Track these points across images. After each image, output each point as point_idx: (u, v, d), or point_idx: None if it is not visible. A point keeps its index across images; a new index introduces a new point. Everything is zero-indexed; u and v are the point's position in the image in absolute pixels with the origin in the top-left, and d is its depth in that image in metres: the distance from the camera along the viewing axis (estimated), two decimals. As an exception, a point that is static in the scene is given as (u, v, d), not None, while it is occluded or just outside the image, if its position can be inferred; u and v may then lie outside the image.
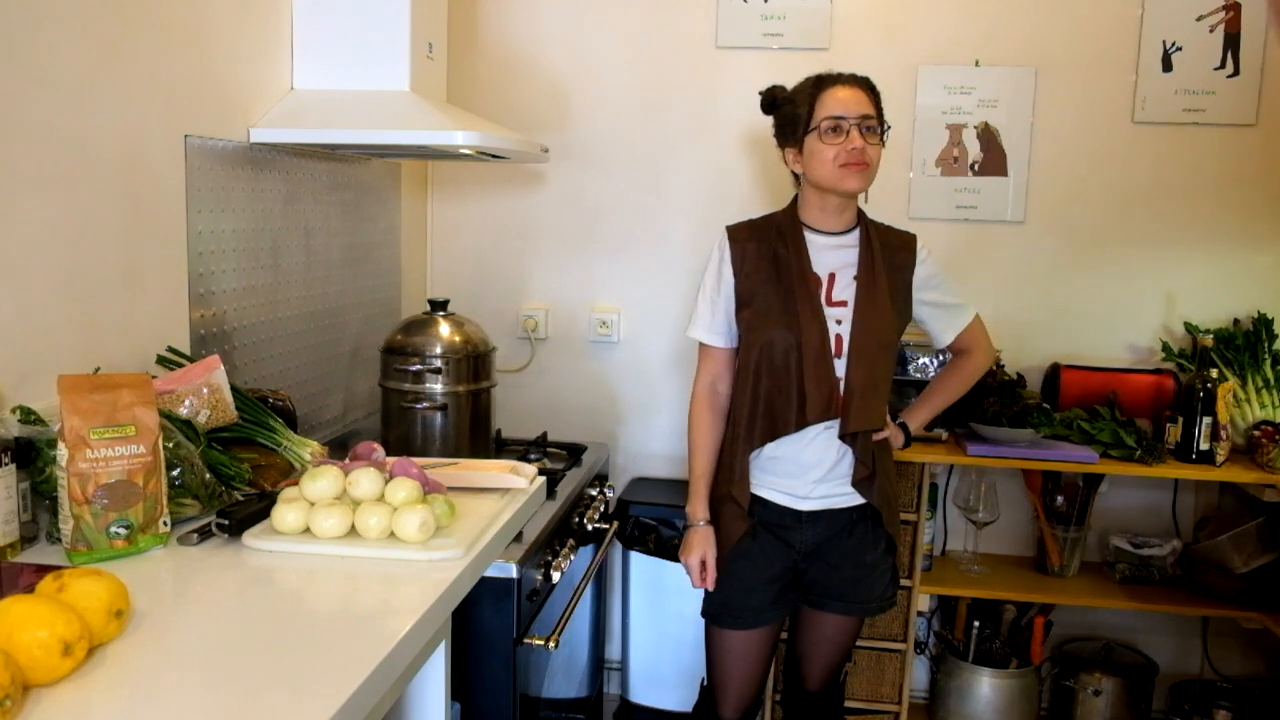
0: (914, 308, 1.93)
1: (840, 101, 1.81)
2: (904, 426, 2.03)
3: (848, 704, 2.57)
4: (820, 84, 1.84)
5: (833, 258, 1.86)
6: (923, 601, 2.56)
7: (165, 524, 1.33)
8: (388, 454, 1.62)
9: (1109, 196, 2.69)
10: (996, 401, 2.50)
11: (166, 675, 0.99)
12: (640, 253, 2.84)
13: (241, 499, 1.50)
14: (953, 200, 2.73)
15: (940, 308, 1.97)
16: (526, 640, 1.76)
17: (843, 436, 1.83)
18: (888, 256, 1.88)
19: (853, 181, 1.80)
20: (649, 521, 2.67)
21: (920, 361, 2.52)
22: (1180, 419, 2.46)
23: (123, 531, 1.27)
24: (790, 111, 1.86)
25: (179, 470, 1.38)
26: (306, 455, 1.66)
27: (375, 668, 1.02)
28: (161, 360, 1.66)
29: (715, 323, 1.92)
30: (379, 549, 1.36)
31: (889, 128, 1.88)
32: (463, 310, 2.34)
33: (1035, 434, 2.45)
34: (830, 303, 1.84)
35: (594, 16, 2.77)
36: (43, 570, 1.09)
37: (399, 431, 2.17)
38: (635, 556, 2.64)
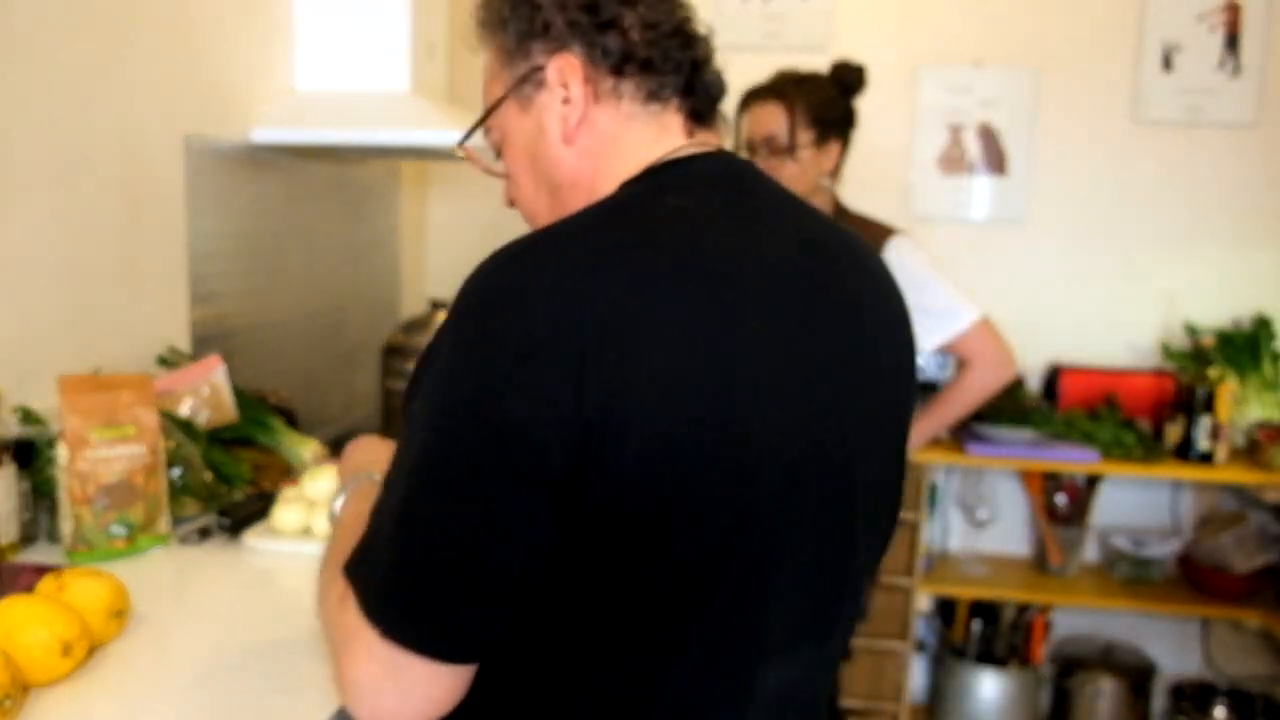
0: None
1: (750, 121, 1.77)
2: None
3: (848, 704, 2.57)
4: (742, 103, 1.80)
5: None
6: (923, 601, 2.56)
7: (165, 524, 1.33)
8: (388, 454, 1.62)
9: (1109, 196, 2.69)
10: (996, 401, 2.50)
11: (166, 675, 0.99)
12: (640, 253, 2.84)
13: (241, 499, 1.50)
14: (953, 200, 2.73)
15: (916, 312, 1.81)
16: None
17: None
18: None
19: None
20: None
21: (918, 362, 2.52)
22: (1180, 419, 2.46)
23: (123, 531, 1.27)
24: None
25: (179, 470, 1.38)
26: (306, 455, 1.66)
27: (375, 668, 1.02)
28: (161, 360, 1.66)
29: None
30: (379, 549, 1.36)
31: (807, 140, 1.79)
32: (463, 310, 2.34)
33: (1035, 434, 2.46)
34: None
35: (594, 16, 2.76)
36: (43, 570, 1.09)
37: (399, 431, 2.16)
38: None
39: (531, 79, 0.83)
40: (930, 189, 2.73)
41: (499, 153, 0.91)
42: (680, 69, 0.82)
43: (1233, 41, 2.59)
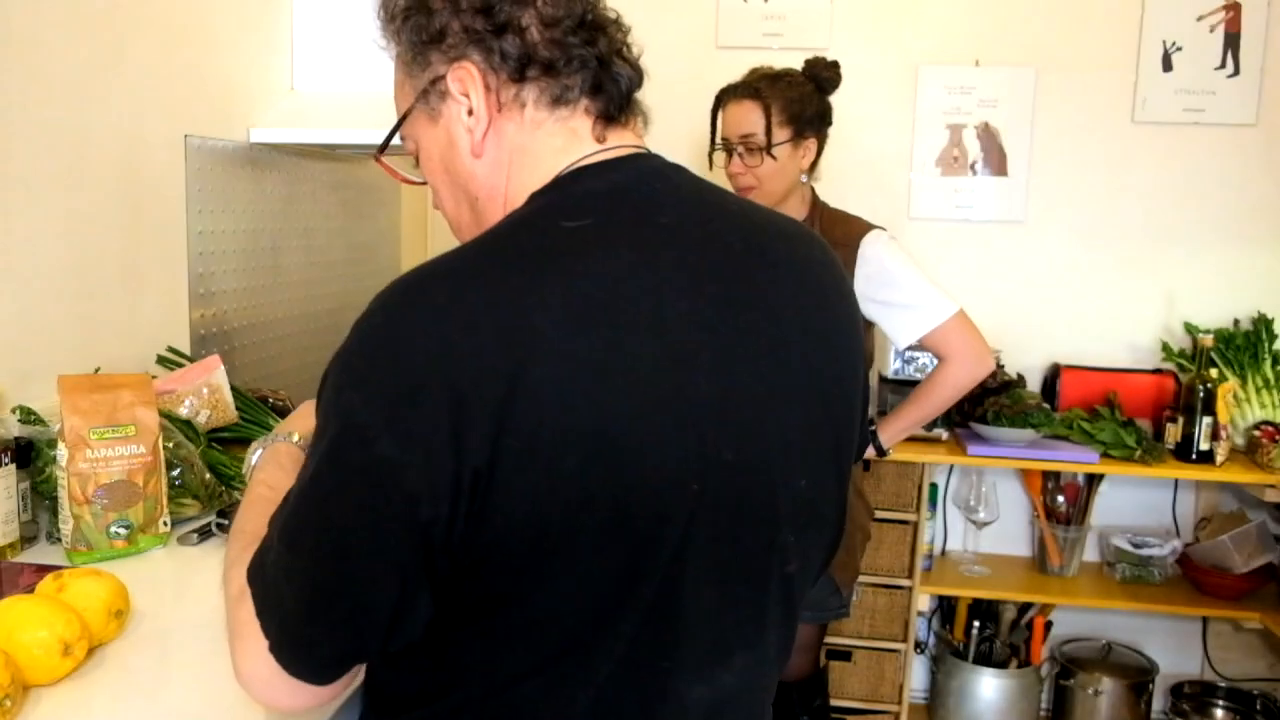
0: (863, 306, 1.75)
1: (726, 120, 1.77)
2: (874, 435, 1.90)
3: (848, 704, 2.57)
4: (718, 100, 1.80)
5: None
6: (923, 601, 2.56)
7: (165, 524, 1.33)
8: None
9: (1109, 196, 2.69)
10: (996, 401, 2.50)
11: (166, 675, 0.99)
12: (640, 253, 2.84)
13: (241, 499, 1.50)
14: (953, 200, 2.73)
15: (891, 307, 1.78)
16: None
17: None
18: None
19: None
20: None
21: (921, 361, 2.52)
22: (1180, 419, 2.46)
23: (123, 531, 1.27)
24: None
25: (179, 470, 1.38)
26: (306, 455, 1.65)
27: (375, 668, 1.02)
28: (161, 360, 1.66)
29: None
30: (379, 549, 1.36)
31: (790, 136, 1.78)
32: (463, 310, 2.34)
33: (1035, 434, 2.45)
34: None
35: (594, 16, 2.76)
36: (43, 570, 1.09)
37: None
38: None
39: (434, 90, 0.79)
40: (930, 189, 2.73)
41: (417, 161, 0.87)
42: (586, 66, 0.77)
43: (1233, 41, 2.59)
